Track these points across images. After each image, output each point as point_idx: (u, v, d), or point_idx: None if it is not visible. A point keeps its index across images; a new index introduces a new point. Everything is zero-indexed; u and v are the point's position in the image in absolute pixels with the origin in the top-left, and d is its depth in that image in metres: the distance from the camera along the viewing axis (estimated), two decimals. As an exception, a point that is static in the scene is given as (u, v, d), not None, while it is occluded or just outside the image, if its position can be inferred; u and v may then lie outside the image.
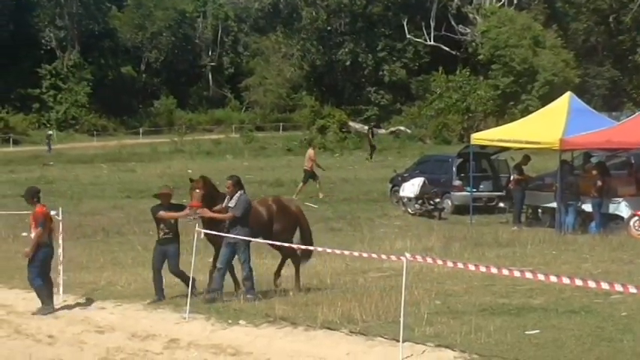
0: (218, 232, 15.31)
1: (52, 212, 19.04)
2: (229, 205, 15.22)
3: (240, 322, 14.07)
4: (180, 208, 15.92)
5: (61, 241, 16.72)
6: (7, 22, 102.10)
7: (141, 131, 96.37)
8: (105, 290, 15.98)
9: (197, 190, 15.35)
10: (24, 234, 24.80)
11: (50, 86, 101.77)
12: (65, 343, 13.74)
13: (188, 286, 15.30)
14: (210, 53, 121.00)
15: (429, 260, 12.78)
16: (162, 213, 15.60)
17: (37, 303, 15.82)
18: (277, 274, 16.43)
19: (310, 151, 38.46)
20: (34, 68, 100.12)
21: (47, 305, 15.71)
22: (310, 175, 36.94)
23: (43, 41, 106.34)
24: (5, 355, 13.07)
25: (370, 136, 62.90)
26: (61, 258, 16.52)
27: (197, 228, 15.35)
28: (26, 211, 22.66)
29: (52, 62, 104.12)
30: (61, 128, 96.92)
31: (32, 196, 16.01)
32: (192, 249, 15.22)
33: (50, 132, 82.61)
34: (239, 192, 15.31)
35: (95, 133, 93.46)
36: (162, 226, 15.71)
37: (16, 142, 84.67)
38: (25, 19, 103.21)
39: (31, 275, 15.69)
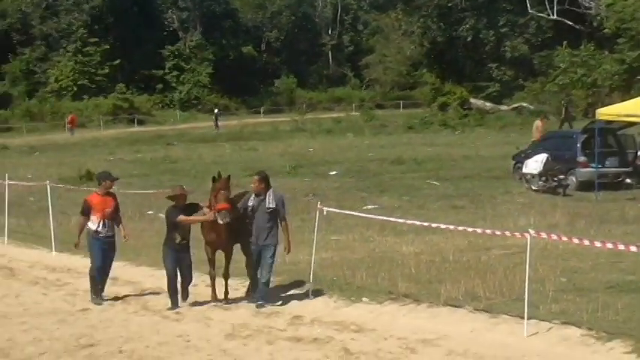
0: (237, 235, 14.65)
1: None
2: (269, 205, 14.24)
3: (364, 299, 14.14)
4: (195, 207, 14.85)
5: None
6: (132, 5, 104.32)
7: (262, 110, 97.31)
8: (231, 267, 16.14)
9: (223, 192, 14.42)
10: (149, 212, 25.38)
11: (173, 67, 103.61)
12: (192, 319, 13.96)
13: (181, 299, 14.83)
14: (329, 32, 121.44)
15: (554, 237, 12.62)
16: (182, 217, 14.46)
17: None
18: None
19: (538, 122, 37.44)
20: (157, 49, 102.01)
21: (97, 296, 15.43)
22: None
23: (165, 22, 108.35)
24: (134, 331, 13.36)
25: (564, 111, 61.91)
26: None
27: (319, 205, 15.38)
28: (152, 190, 23.09)
29: (175, 43, 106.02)
30: (184, 108, 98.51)
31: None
32: (314, 227, 15.33)
33: (216, 110, 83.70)
34: (270, 190, 14.45)
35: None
36: (178, 230, 14.62)
37: (140, 122, 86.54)
38: (148, 1, 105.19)
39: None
